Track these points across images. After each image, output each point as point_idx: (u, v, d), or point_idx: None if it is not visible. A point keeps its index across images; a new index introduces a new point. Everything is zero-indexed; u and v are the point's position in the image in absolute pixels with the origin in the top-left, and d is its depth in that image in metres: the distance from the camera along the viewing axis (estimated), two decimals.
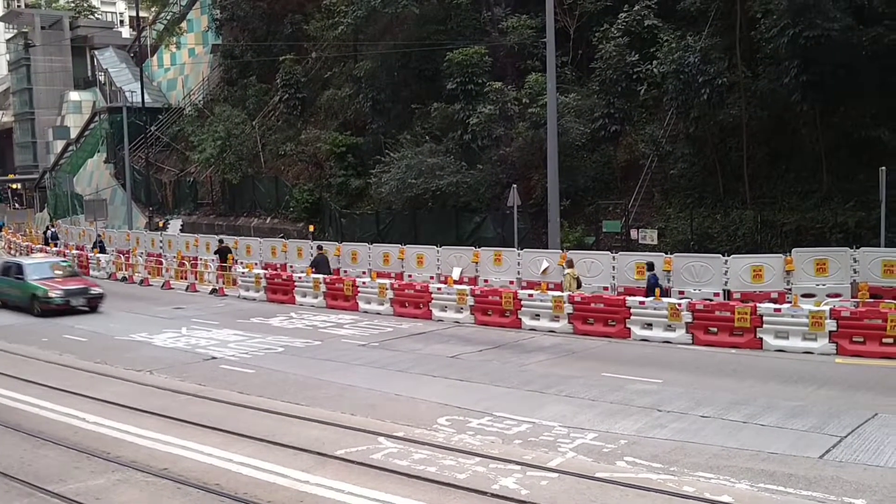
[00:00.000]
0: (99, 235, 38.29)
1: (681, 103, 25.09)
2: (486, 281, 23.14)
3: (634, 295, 19.25)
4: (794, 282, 19.11)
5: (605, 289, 20.80)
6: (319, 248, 26.95)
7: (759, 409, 11.96)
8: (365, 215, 34.29)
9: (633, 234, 26.10)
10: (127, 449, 10.52)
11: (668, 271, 20.19)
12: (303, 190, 37.78)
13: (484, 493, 8.74)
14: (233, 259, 28.95)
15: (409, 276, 24.87)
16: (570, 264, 20.48)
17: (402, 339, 18.55)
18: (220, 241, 30.49)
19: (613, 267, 21.07)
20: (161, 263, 32.35)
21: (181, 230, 42.68)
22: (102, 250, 35.61)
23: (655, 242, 25.30)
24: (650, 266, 19.87)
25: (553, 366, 15.49)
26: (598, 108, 28.45)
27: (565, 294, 19.18)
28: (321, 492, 8.90)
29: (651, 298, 18.07)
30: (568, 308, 18.75)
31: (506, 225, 28.66)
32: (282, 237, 33.12)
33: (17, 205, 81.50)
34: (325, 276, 24.26)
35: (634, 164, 28.49)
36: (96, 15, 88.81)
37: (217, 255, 29.28)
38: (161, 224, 44.64)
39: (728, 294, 19.52)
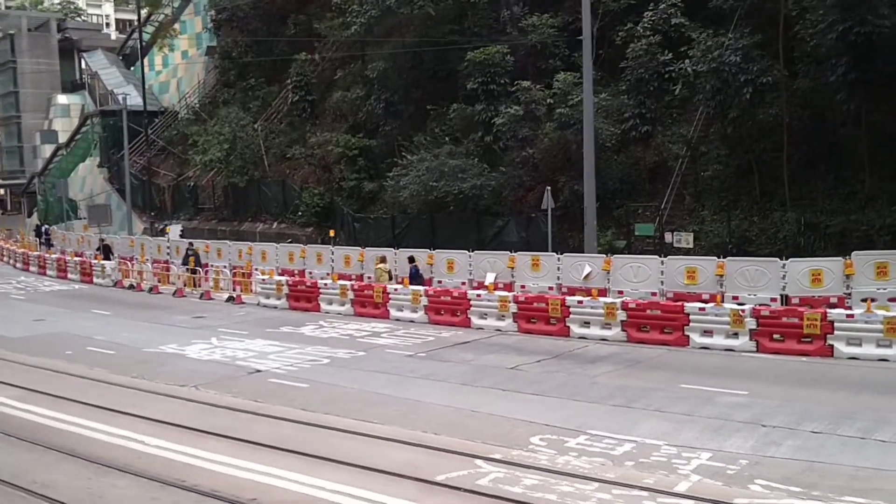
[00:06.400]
0: (191, 245, 30.46)
1: (718, 103, 24.37)
2: (522, 287, 22.25)
3: (685, 300, 18.53)
4: (854, 286, 18.43)
5: (654, 294, 20.02)
6: (190, 244, 30.26)
7: (869, 422, 11.18)
8: (380, 219, 33.26)
9: (668, 237, 25.31)
10: (203, 476, 9.53)
11: (721, 276, 19.45)
12: (313, 194, 36.65)
13: None
14: (100, 258, 32.35)
15: (440, 281, 23.93)
16: (383, 260, 24.30)
17: (448, 349, 17.64)
18: (102, 240, 35.88)
19: (662, 272, 20.28)
20: (169, 270, 31.18)
21: (181, 236, 41.38)
22: (198, 262, 29.08)
23: (691, 246, 24.53)
24: (411, 259, 23.62)
25: (623, 377, 14.64)
26: (628, 108, 27.69)
27: (618, 301, 18.41)
28: None
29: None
30: (621, 315, 17.94)
31: (530, 229, 27.80)
32: (289, 242, 32.02)
33: (11, 210, 79.62)
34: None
35: (663, 165, 27.73)
36: (83, 17, 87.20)
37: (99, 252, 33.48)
38: (161, 230, 43.35)
39: (785, 299, 18.80)
